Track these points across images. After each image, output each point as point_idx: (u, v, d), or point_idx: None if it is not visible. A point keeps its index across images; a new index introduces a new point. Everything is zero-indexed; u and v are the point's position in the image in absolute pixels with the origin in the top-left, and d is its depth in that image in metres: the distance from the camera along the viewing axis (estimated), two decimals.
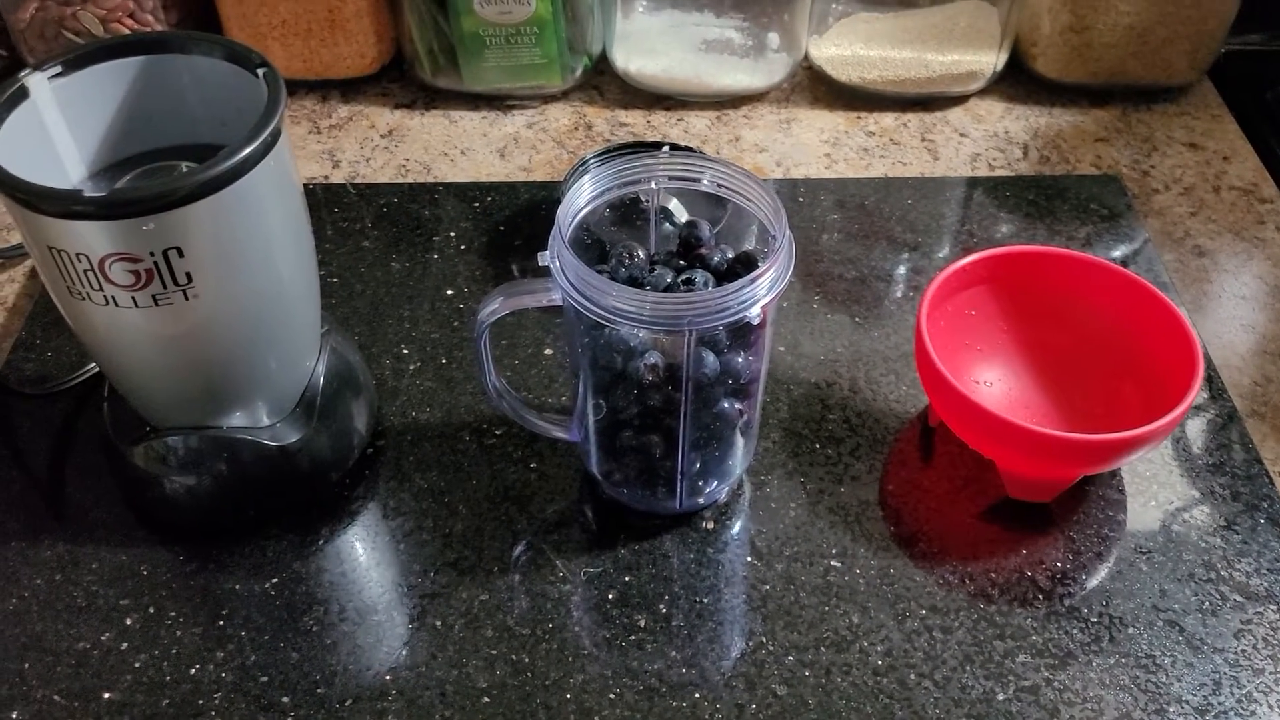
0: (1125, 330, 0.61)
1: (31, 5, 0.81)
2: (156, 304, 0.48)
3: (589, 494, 0.60)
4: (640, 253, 0.53)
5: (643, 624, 0.54)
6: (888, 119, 0.85)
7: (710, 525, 0.58)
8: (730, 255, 0.54)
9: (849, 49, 0.87)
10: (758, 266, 0.52)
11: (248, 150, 0.46)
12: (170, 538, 0.57)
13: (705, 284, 0.51)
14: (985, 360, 0.63)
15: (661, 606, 0.55)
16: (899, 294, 0.71)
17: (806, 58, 0.88)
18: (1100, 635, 0.53)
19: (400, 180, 0.79)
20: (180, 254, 0.46)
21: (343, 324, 0.67)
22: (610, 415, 0.54)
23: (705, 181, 0.53)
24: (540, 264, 0.50)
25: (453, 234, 0.74)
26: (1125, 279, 0.60)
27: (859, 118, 0.86)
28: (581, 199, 0.52)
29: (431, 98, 0.86)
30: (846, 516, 0.59)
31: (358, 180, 0.79)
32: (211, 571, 0.56)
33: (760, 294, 0.48)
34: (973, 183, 0.79)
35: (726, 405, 0.53)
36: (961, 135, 0.84)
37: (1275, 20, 0.90)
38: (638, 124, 0.84)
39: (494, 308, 0.52)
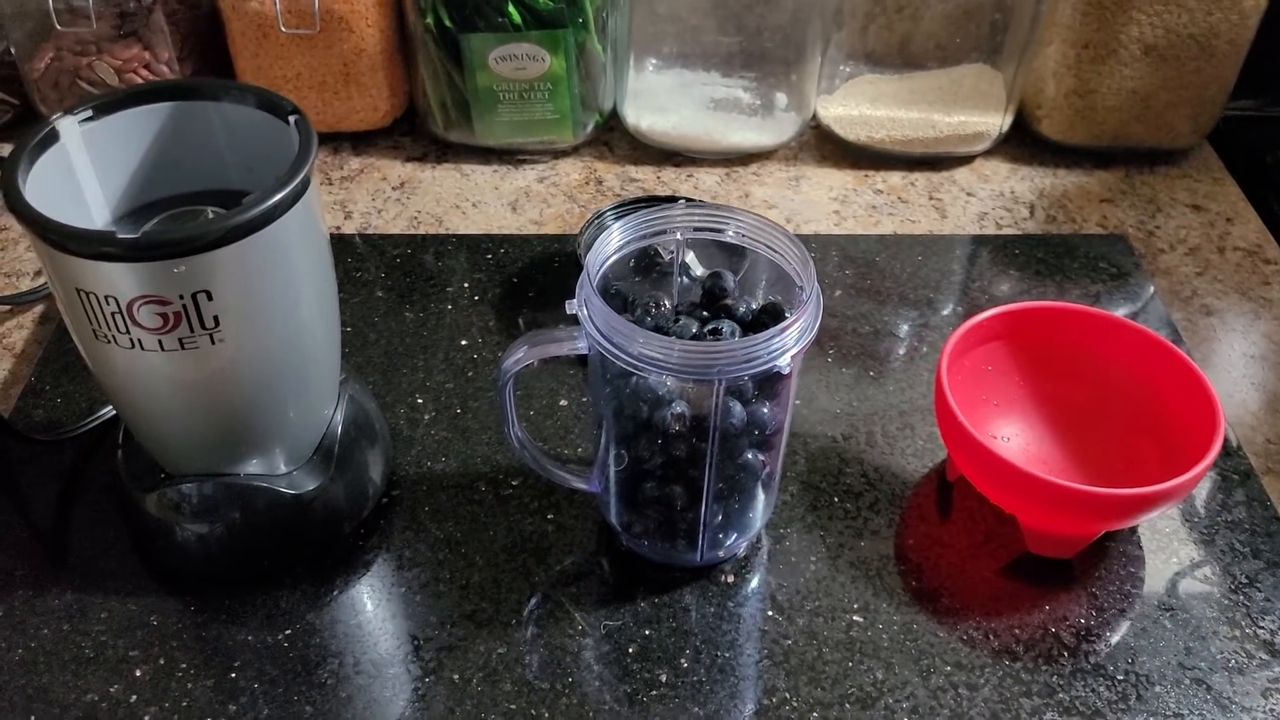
0: (1142, 386, 0.61)
1: (47, 55, 0.81)
2: (183, 347, 0.47)
3: (607, 546, 0.59)
4: (665, 303, 0.53)
5: (664, 679, 0.53)
6: (895, 178, 0.86)
7: (730, 578, 0.58)
8: (755, 306, 0.54)
9: (856, 109, 0.88)
10: (784, 317, 0.52)
11: (281, 194, 0.46)
12: (181, 587, 0.56)
13: (732, 334, 0.51)
14: (1002, 415, 0.63)
15: (682, 661, 0.54)
16: (912, 349, 0.71)
17: (814, 117, 0.89)
18: (1127, 694, 0.53)
19: (412, 231, 0.79)
20: (209, 297, 0.46)
21: (357, 373, 0.67)
22: (632, 466, 0.54)
23: (730, 232, 0.53)
24: (568, 312, 0.50)
25: (466, 285, 0.74)
26: (1142, 335, 0.60)
27: (866, 176, 0.86)
28: (610, 247, 0.52)
29: (443, 151, 0.87)
30: (867, 571, 0.58)
31: (369, 231, 0.79)
32: (223, 622, 0.55)
33: (789, 344, 0.48)
34: (981, 240, 0.80)
35: (750, 456, 0.53)
36: (969, 195, 0.85)
37: (1271, 86, 0.92)
38: (648, 179, 0.85)
39: (519, 357, 0.52)
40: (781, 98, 0.87)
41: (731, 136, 0.86)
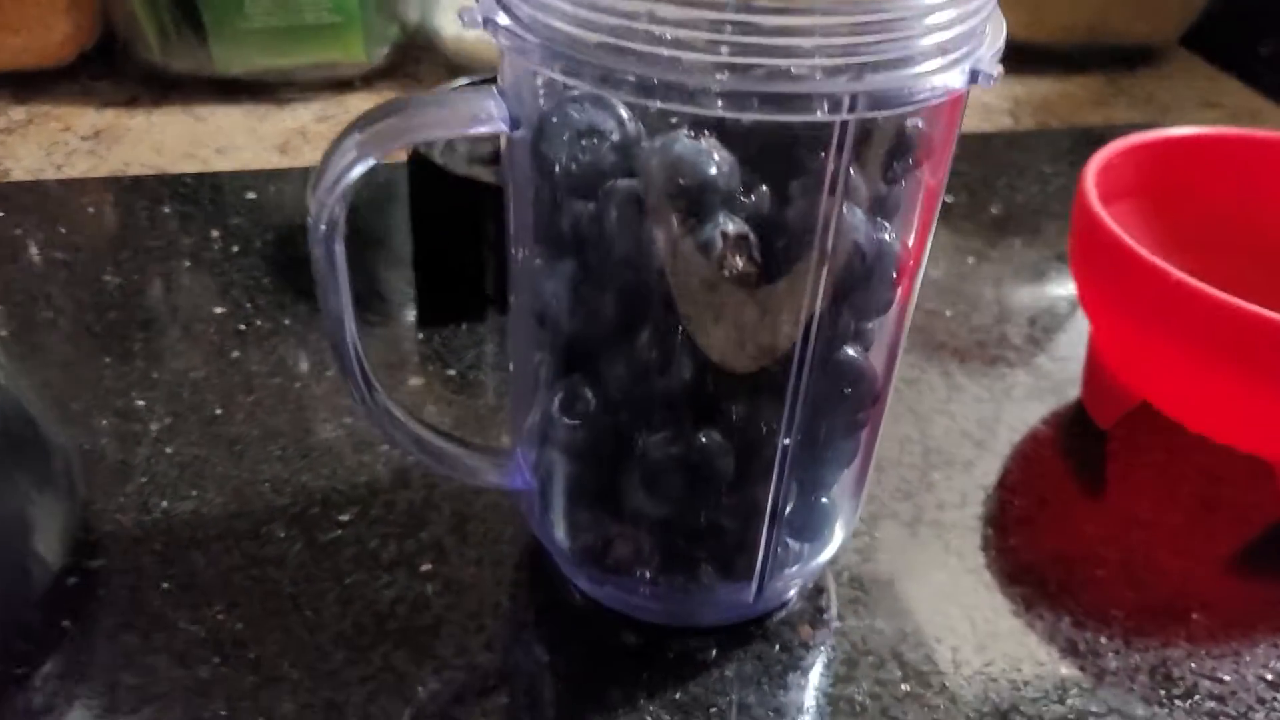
0: None
1: None
2: None
3: (553, 603, 0.29)
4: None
5: None
6: None
7: (808, 632, 0.29)
8: None
9: None
10: None
11: None
12: None
13: None
14: None
15: None
16: (963, 265, 0.46)
17: None
18: None
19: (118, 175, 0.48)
20: None
21: (17, 370, 0.35)
22: (608, 410, 0.25)
23: None
24: (465, 24, 0.22)
25: (216, 234, 0.44)
26: None
27: None
28: None
29: (164, 89, 0.57)
30: (1044, 587, 0.31)
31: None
32: None
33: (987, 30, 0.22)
34: (986, 140, 0.57)
35: (857, 356, 0.26)
36: None
37: None
38: None
39: (348, 160, 0.23)
40: None
41: None
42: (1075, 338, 0.41)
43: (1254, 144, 0.39)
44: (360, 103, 0.58)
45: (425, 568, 0.30)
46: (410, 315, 0.40)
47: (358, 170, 0.23)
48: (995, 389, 0.38)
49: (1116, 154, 0.37)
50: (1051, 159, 0.54)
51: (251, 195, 0.47)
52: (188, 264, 0.42)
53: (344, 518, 0.31)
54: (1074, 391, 0.38)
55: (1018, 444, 0.36)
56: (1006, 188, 0.51)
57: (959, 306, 0.43)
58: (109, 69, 0.58)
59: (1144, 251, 0.32)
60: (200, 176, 0.48)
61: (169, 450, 0.33)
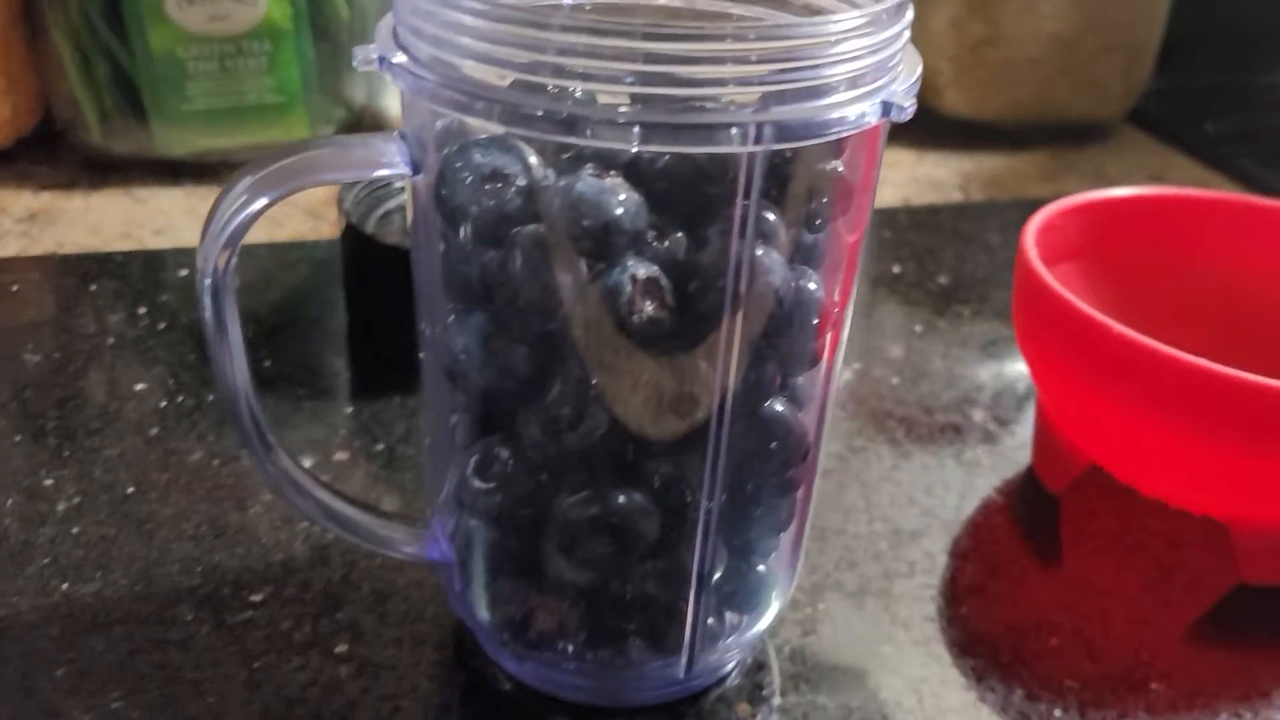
0: None
1: None
2: None
3: (476, 684, 0.28)
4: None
5: None
6: None
7: (746, 710, 0.27)
8: None
9: None
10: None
11: None
12: None
13: None
14: None
15: None
16: (914, 334, 0.45)
17: None
18: None
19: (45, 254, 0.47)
20: None
21: None
22: (523, 474, 0.24)
23: None
24: (358, 64, 0.21)
25: (143, 310, 0.43)
26: None
27: None
28: None
29: (104, 172, 0.56)
30: (997, 658, 0.29)
31: None
32: None
33: (900, 60, 0.21)
34: (935, 211, 0.56)
35: (783, 410, 0.24)
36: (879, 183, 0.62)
37: (1189, 59, 0.76)
38: None
39: (238, 204, 0.22)
40: None
41: None
42: (1024, 404, 0.40)
43: (1194, 204, 0.39)
44: None
45: (340, 649, 0.28)
46: (342, 389, 0.39)
47: (247, 213, 0.22)
48: (944, 456, 0.37)
49: (1057, 214, 0.37)
50: (1000, 229, 0.54)
51: (184, 272, 0.45)
52: (111, 341, 0.40)
53: (256, 598, 0.30)
54: (1024, 457, 0.37)
55: (968, 511, 0.35)
56: (954, 258, 0.51)
57: (906, 374, 0.42)
58: (49, 153, 0.57)
59: (1086, 307, 0.31)
60: (131, 254, 0.47)
61: (75, 530, 0.32)
